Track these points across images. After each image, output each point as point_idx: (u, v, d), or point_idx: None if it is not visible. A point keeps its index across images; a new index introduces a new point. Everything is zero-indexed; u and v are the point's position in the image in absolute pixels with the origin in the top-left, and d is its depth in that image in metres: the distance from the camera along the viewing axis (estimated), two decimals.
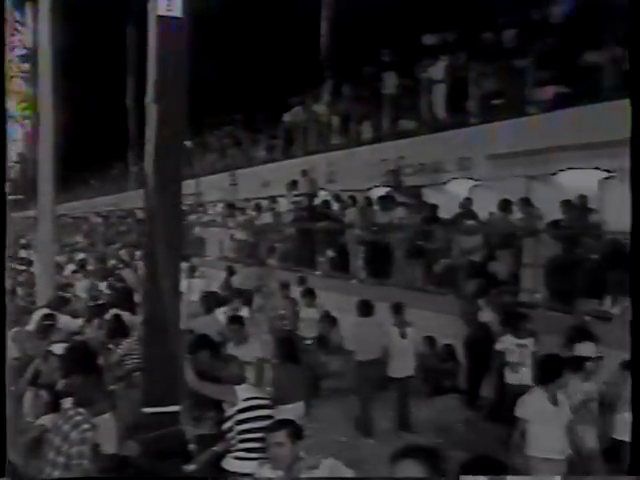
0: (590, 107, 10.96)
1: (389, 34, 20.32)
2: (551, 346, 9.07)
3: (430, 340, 11.36)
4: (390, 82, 16.55)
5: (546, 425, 6.53)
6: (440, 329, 11.32)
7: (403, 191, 14.88)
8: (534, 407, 6.55)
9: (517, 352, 9.22)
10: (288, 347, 8.14)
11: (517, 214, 11.60)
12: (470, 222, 11.94)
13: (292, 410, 7.07)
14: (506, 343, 9.35)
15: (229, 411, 6.18)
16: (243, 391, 6.27)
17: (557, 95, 11.75)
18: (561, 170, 11.60)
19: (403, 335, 10.03)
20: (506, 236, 11.33)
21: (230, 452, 6.12)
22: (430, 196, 14.45)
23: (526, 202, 11.38)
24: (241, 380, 6.50)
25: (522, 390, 8.96)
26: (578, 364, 7.26)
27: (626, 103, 10.68)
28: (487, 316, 10.23)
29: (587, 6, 11.98)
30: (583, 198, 10.71)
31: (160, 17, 6.08)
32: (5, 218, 5.45)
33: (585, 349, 7.28)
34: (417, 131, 15.29)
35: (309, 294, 12.19)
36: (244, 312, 11.24)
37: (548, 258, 10.15)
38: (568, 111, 11.37)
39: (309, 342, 11.62)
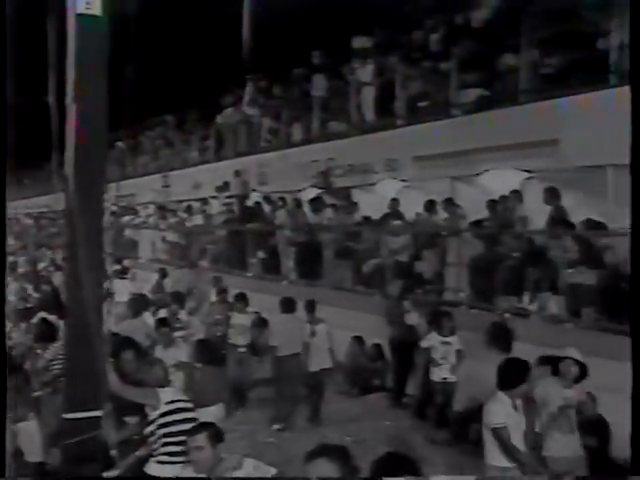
0: (510, 109, 11.30)
1: (319, 36, 20.43)
2: (475, 343, 9.36)
3: (359, 340, 11.52)
4: (319, 84, 16.68)
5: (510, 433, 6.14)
6: (369, 329, 11.48)
7: (333, 192, 15.03)
8: (502, 413, 6.10)
9: (441, 349, 9.46)
10: (207, 350, 8.17)
11: (442, 214, 11.85)
12: (397, 222, 12.13)
13: (212, 412, 7.09)
14: (431, 341, 9.58)
15: (151, 415, 6.16)
16: (166, 394, 6.25)
17: (479, 97, 12.04)
18: (485, 171, 11.88)
19: (314, 332, 10.30)
20: (431, 236, 11.56)
21: (152, 456, 6.10)
22: (359, 197, 14.63)
23: (450, 202, 11.65)
24: (165, 383, 6.49)
25: (446, 387, 9.29)
26: (559, 369, 6.92)
27: (544, 105, 11.05)
28: (412, 315, 10.42)
29: (505, 10, 12.33)
30: (508, 197, 10.95)
31: (79, 15, 5.99)
32: (5, 218, 5.39)
33: (566, 352, 6.89)
34: (346, 133, 15.45)
35: (241, 300, 11.77)
36: (177, 315, 11.24)
37: (471, 257, 10.40)
38: (489, 113, 11.68)
39: (242, 350, 11.26)
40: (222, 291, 12.76)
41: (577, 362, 6.83)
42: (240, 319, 11.40)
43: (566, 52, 10.75)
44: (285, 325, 10.28)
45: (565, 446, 6.75)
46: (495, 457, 6.16)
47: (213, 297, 13.09)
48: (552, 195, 10.15)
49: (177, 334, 10.03)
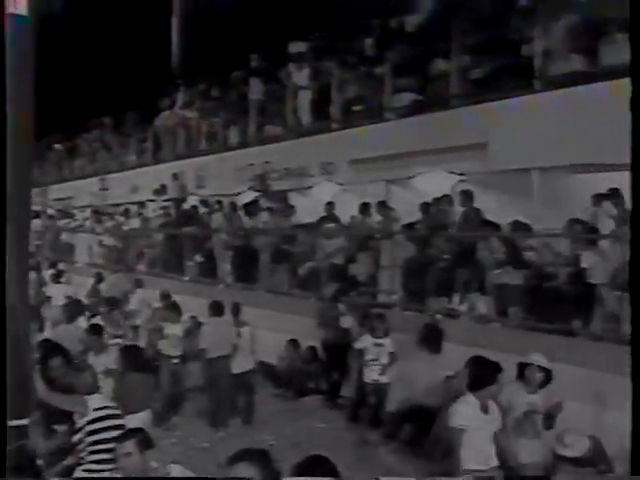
0: (441, 113, 11.53)
1: (258, 40, 20.47)
2: (407, 345, 9.53)
3: (294, 343, 11.57)
4: (256, 87, 16.69)
5: (475, 434, 5.98)
6: (304, 332, 11.54)
7: (270, 195, 15.09)
8: (467, 415, 5.93)
9: (374, 351, 9.57)
10: (133, 356, 8.13)
11: (376, 217, 12.00)
12: (331, 225, 12.24)
13: (139, 419, 7.04)
14: (364, 343, 9.68)
15: (79, 422, 6.09)
16: (94, 401, 6.18)
17: (413, 101, 12.24)
18: (418, 174, 12.07)
19: (239, 334, 10.43)
20: (365, 239, 11.69)
21: (80, 465, 6.03)
22: (296, 200, 14.71)
23: (383, 205, 11.81)
24: (94, 390, 6.43)
25: (379, 388, 9.42)
26: (522, 373, 6.74)
27: (474, 109, 11.27)
28: (346, 318, 10.52)
29: (437, 15, 12.57)
30: (440, 200, 11.13)
31: (9, 15, 5.91)
32: (5, 218, 5.29)
33: (533, 358, 6.71)
34: (282, 136, 15.50)
35: (174, 309, 11.33)
36: (112, 320, 11.07)
37: (404, 259, 10.56)
38: (422, 117, 11.88)
39: (175, 361, 10.85)
40: (165, 297, 12.53)
41: (542, 368, 6.72)
42: (173, 329, 10.98)
43: (494, 58, 11.01)
44: (214, 328, 10.36)
45: (531, 452, 6.60)
46: (467, 460, 5.96)
47: (156, 303, 12.83)
48: (466, 197, 10.47)
49: (113, 341, 9.89)
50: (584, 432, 6.97)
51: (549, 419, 6.65)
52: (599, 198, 9.57)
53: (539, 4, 10.43)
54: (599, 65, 9.44)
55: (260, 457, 4.03)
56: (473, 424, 5.93)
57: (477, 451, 6.00)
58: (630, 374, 3.94)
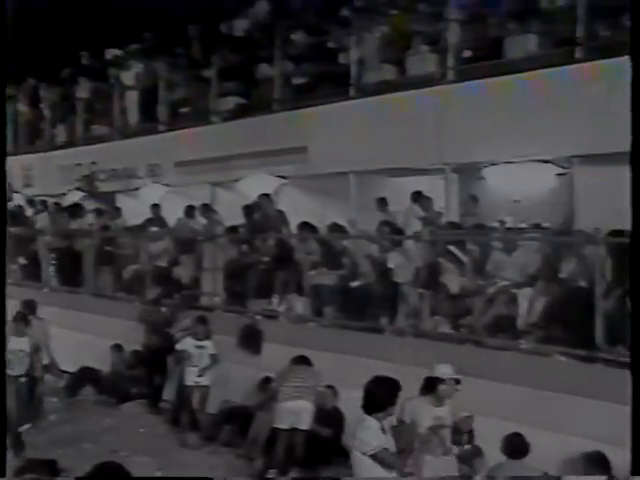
0: (264, 117, 11.73)
1: (87, 37, 19.90)
2: (229, 347, 9.63)
3: (118, 347, 11.37)
4: (84, 86, 16.27)
5: None
6: (129, 336, 11.36)
7: (97, 197, 14.76)
8: (374, 441, 5.42)
9: (196, 354, 9.54)
10: None
11: (201, 220, 12.03)
12: (156, 228, 12.15)
13: None
14: (185, 345, 9.63)
15: None
16: None
17: (237, 105, 12.37)
18: (243, 177, 12.20)
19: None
20: (189, 241, 11.68)
21: None
22: (123, 202, 14.47)
23: (207, 208, 11.86)
24: None
25: (200, 390, 9.43)
26: (430, 387, 6.19)
27: (295, 114, 11.53)
28: (168, 320, 10.47)
29: (262, 21, 12.78)
30: (261, 203, 11.27)
31: None
32: (5, 218, 4.82)
33: (441, 371, 6.16)
34: (109, 136, 15.19)
35: (20, 319, 9.88)
36: None
37: (226, 262, 10.66)
38: (247, 121, 12.03)
39: (22, 380, 9.72)
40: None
41: (453, 379, 6.16)
42: (19, 344, 9.65)
43: (314, 65, 11.34)
44: None
45: (436, 470, 6.06)
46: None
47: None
48: (268, 201, 10.87)
49: None
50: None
51: (458, 434, 6.24)
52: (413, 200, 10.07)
53: (354, 15, 10.85)
54: (407, 75, 9.96)
55: (46, 469, 4.00)
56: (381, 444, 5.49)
57: (376, 473, 5.50)
58: (630, 374, 3.93)
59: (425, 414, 6.08)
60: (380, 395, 5.52)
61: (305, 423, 7.89)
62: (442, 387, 6.09)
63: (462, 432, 6.26)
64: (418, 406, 6.14)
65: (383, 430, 5.49)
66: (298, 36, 11.76)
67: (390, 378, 5.63)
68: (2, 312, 5.16)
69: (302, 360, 8.20)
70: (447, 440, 6.12)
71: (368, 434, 5.43)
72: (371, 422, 5.46)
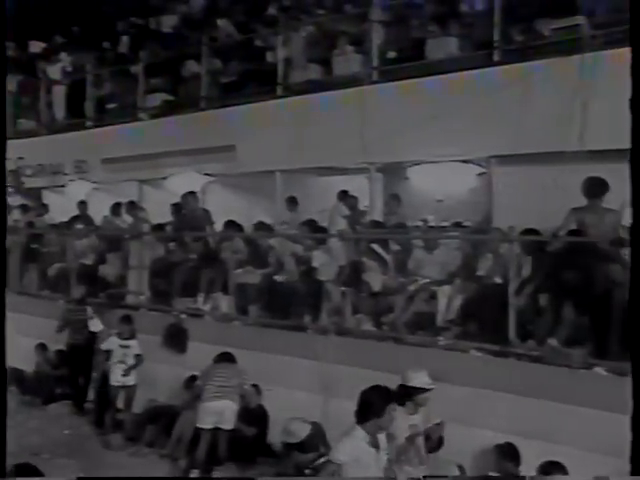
0: (192, 115, 11.68)
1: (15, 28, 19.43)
2: (154, 346, 9.57)
3: (42, 347, 11.20)
4: (11, 79, 15.85)
5: (364, 471, 5.21)
6: (53, 335, 11.17)
7: (23, 193, 14.47)
8: (352, 452, 5.14)
9: (120, 353, 9.46)
10: None
11: (128, 217, 11.91)
12: (81, 225, 11.98)
13: None
14: (110, 345, 9.55)
15: None
16: None
17: (165, 102, 12.28)
18: (171, 174, 12.12)
19: None
20: (116, 239, 11.56)
21: None
22: (50, 198, 14.22)
23: (133, 206, 11.75)
24: None
25: (125, 390, 9.37)
26: (406, 396, 5.92)
27: (222, 112, 11.49)
28: (94, 320, 10.34)
29: (190, 18, 12.71)
30: (188, 201, 11.21)
31: None
32: (5, 218, 5.14)
33: (419, 379, 5.93)
34: (36, 131, 14.91)
35: None
36: None
37: (151, 260, 10.59)
38: (174, 118, 11.95)
39: None
40: None
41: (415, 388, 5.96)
42: None
43: (242, 63, 11.34)
44: None
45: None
46: None
47: None
48: (193, 199, 10.77)
49: None
50: (307, 419, 7.48)
51: (430, 441, 6.09)
52: (339, 198, 10.18)
53: (282, 14, 10.88)
54: (333, 75, 10.05)
55: None
56: (363, 460, 5.17)
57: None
58: (631, 375, 3.85)
59: (403, 424, 5.82)
60: (376, 404, 5.23)
61: (228, 422, 7.89)
62: (421, 397, 5.92)
63: (433, 439, 6.12)
64: (397, 417, 5.61)
65: (371, 443, 5.23)
66: (226, 34, 11.72)
67: (381, 387, 5.37)
68: (2, 308, 5.07)
69: (226, 357, 8.19)
70: (422, 448, 5.98)
71: (346, 442, 5.19)
72: (358, 432, 5.20)
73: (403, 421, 5.81)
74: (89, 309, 10.50)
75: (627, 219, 3.91)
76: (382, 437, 5.36)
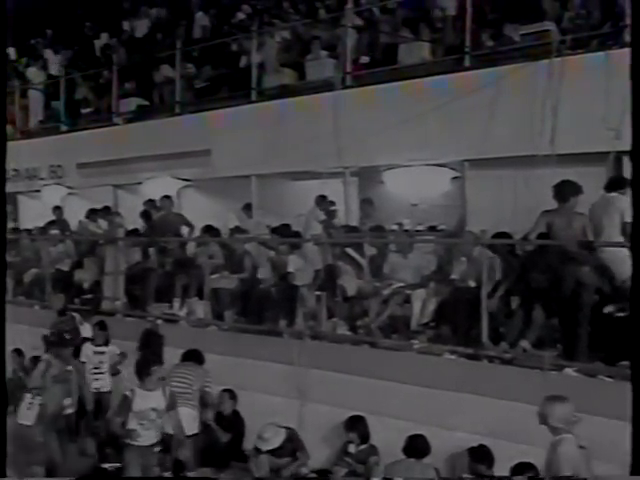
0: (167, 120, 11.66)
1: None
2: (130, 352, 9.51)
3: (18, 352, 11.09)
4: None
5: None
6: (28, 341, 11.10)
7: None
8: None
9: (95, 359, 9.39)
10: None
11: (102, 223, 11.85)
12: (56, 231, 11.91)
13: None
14: (85, 351, 9.47)
15: None
16: None
17: (139, 107, 12.25)
18: (146, 179, 12.09)
19: None
20: (91, 245, 11.48)
21: None
22: (25, 203, 14.13)
23: (108, 211, 11.70)
24: None
25: (100, 397, 9.30)
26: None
27: (197, 117, 11.46)
28: (84, 325, 10.23)
29: (165, 22, 12.69)
30: (162, 206, 11.19)
31: None
32: (5, 218, 4.46)
33: None
34: (11, 136, 14.77)
35: None
36: None
37: (127, 266, 10.55)
38: (149, 123, 11.93)
39: None
40: None
41: None
42: None
43: (215, 68, 11.34)
44: None
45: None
46: None
47: None
48: (168, 202, 10.81)
49: None
50: (283, 424, 7.49)
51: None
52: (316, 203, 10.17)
53: (255, 19, 10.90)
54: (306, 79, 10.08)
55: None
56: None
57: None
58: (630, 376, 3.83)
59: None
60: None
61: (190, 429, 7.55)
62: None
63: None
64: None
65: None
66: (200, 39, 11.72)
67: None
68: (2, 310, 5.05)
69: (192, 356, 8.09)
70: None
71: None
72: None
73: None
74: (77, 316, 10.39)
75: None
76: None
